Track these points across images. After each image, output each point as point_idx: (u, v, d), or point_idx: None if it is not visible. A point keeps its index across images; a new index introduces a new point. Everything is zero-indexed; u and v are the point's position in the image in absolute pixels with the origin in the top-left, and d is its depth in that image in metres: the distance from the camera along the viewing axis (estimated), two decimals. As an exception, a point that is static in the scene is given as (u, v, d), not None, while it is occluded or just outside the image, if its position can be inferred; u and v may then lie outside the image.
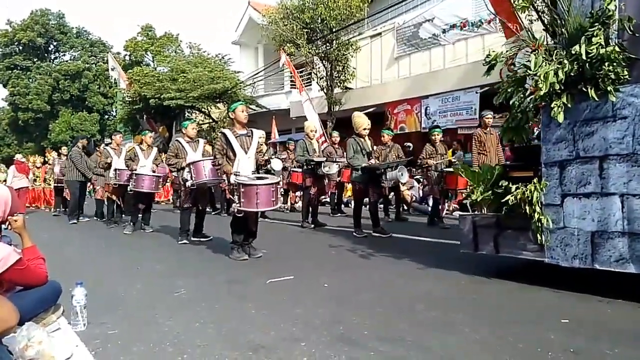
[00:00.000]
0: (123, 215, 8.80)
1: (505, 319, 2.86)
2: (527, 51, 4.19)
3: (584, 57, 3.06)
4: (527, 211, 3.43)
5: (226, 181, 5.04)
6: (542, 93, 3.24)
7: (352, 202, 7.50)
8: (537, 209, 3.38)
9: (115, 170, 8.17)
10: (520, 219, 3.52)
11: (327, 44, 15.85)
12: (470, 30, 14.34)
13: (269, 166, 9.21)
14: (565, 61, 3.19)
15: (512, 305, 3.16)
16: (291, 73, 15.99)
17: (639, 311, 2.95)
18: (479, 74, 15.00)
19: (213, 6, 78.77)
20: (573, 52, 3.15)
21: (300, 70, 17.40)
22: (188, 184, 6.06)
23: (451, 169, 7.42)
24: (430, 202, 10.22)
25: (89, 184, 10.03)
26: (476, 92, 13.55)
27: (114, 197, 8.71)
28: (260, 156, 5.23)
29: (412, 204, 10.68)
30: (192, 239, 6.36)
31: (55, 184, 11.76)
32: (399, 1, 14.19)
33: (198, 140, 6.81)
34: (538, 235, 3.41)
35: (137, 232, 7.51)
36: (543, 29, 11.71)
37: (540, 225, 3.38)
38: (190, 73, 19.87)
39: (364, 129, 6.62)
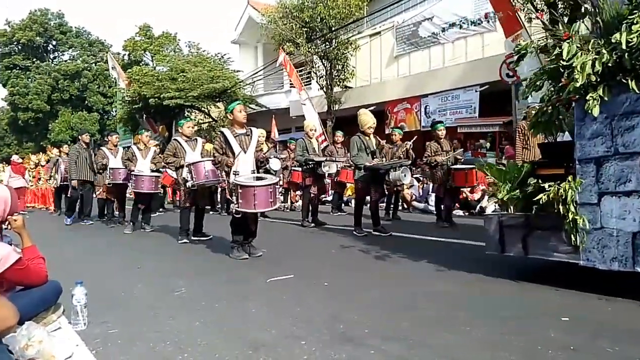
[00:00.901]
0: (119, 214, 8.79)
1: (506, 317, 2.86)
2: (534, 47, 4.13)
3: (623, 46, 2.85)
4: (561, 211, 3.24)
5: (226, 179, 5.03)
6: (577, 85, 3.06)
7: (353, 201, 7.47)
8: (572, 208, 3.20)
9: (110, 169, 8.15)
10: (553, 218, 3.32)
11: (327, 43, 15.85)
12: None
13: (267, 166, 9.20)
14: (604, 51, 2.98)
15: (513, 303, 3.16)
16: (289, 74, 15.98)
17: (638, 307, 2.95)
18: (479, 72, 15.13)
19: (212, 5, 78.75)
20: (613, 40, 2.93)
21: (300, 69, 17.40)
22: (188, 184, 6.04)
23: (459, 166, 7.25)
24: (432, 201, 10.28)
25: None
26: (475, 91, 13.57)
27: (110, 197, 8.70)
28: (260, 153, 5.22)
29: (412, 202, 10.68)
30: (192, 238, 6.36)
31: (62, 182, 11.65)
32: (398, 0, 14.20)
33: (196, 139, 6.76)
34: (572, 236, 3.23)
35: (137, 232, 7.51)
36: (542, 27, 11.59)
37: (574, 225, 3.20)
38: (189, 72, 19.86)
39: (369, 127, 6.47)
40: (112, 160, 8.40)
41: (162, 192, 10.44)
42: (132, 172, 7.47)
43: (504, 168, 4.01)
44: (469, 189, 9.97)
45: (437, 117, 14.72)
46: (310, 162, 7.68)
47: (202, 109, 21.29)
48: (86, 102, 35.78)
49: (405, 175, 6.42)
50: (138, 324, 2.90)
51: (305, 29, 15.61)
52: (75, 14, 74.34)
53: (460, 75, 14.08)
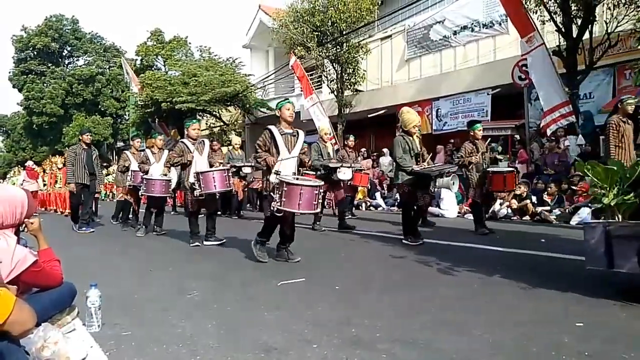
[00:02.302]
0: (132, 218, 8.92)
1: (519, 321, 2.83)
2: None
3: None
4: None
5: (265, 178, 4.87)
6: None
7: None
8: None
9: (132, 172, 8.29)
10: None
11: (338, 47, 15.88)
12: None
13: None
14: None
15: (526, 308, 3.14)
16: (299, 78, 16.06)
17: (655, 315, 2.91)
18: (491, 75, 15.03)
19: (223, 10, 79.29)
20: None
21: (311, 73, 17.45)
22: (196, 192, 6.02)
23: (498, 169, 6.87)
24: (443, 204, 10.21)
25: (102, 186, 9.96)
26: (487, 94, 13.49)
27: (130, 199, 8.80)
28: (305, 158, 5.05)
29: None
30: (205, 243, 6.29)
31: None
32: (409, 3, 14.19)
33: (203, 142, 6.66)
34: None
35: (149, 235, 7.58)
36: (555, 30, 11.59)
37: None
38: (201, 77, 20.03)
39: (414, 126, 6.00)
40: (134, 163, 8.51)
41: (172, 194, 10.48)
42: (143, 176, 7.54)
43: (611, 167, 3.46)
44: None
45: (449, 120, 14.67)
46: (327, 168, 7.48)
47: (214, 112, 21.45)
48: (100, 106, 36.18)
49: (454, 183, 5.99)
50: (151, 326, 2.93)
51: (316, 33, 15.66)
52: (90, 20, 75.41)
53: (472, 78, 14.00)
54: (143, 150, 8.72)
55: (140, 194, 7.98)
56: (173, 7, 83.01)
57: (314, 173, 9.40)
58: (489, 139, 7.77)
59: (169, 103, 20.58)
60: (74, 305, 2.79)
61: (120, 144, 37.95)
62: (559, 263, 4.73)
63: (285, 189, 4.51)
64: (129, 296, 3.65)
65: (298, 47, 15.83)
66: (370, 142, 18.50)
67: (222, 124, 22.15)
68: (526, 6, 10.33)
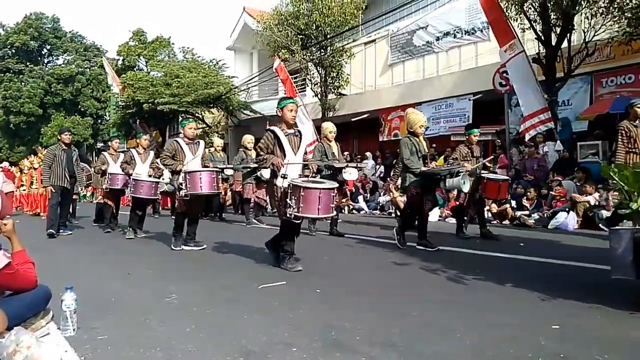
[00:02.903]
0: (117, 221, 8.69)
1: (498, 324, 2.86)
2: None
3: None
4: None
5: (273, 180, 4.58)
6: None
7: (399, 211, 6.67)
8: None
9: (109, 174, 8.09)
10: None
11: (322, 50, 15.95)
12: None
13: (258, 173, 8.99)
14: None
15: (505, 310, 3.17)
16: (282, 81, 16.05)
17: (629, 318, 2.97)
18: (472, 81, 15.27)
19: (208, 12, 78.91)
20: None
21: (295, 76, 17.46)
22: (181, 192, 5.81)
23: (493, 176, 6.83)
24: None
25: (85, 188, 9.76)
26: (469, 99, 13.68)
27: (108, 202, 8.61)
28: (308, 157, 4.90)
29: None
30: (184, 248, 6.10)
31: None
32: (393, 9, 14.33)
33: (198, 142, 6.35)
34: None
35: (133, 239, 7.45)
36: (535, 38, 11.85)
37: None
38: (184, 78, 19.90)
39: (421, 126, 5.80)
40: (112, 165, 8.35)
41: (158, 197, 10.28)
42: (132, 177, 7.34)
43: None
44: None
45: (431, 125, 14.80)
46: (332, 169, 6.89)
47: (197, 114, 21.29)
48: (79, 106, 35.63)
49: (464, 183, 5.81)
50: (128, 329, 2.88)
51: (301, 36, 15.70)
52: (71, 19, 74.24)
53: (454, 83, 14.19)
54: (126, 151, 8.58)
55: (127, 195, 7.76)
56: (156, 8, 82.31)
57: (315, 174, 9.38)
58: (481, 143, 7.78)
59: (150, 104, 20.38)
60: (49, 309, 2.73)
61: (100, 144, 37.41)
62: (537, 266, 4.80)
63: (302, 193, 4.25)
64: (106, 299, 3.58)
65: (282, 50, 15.85)
66: (353, 145, 18.58)
67: (204, 126, 21.99)
68: (507, 14, 10.52)
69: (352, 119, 17.02)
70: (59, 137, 8.16)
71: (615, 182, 3.33)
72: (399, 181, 6.10)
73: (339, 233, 7.31)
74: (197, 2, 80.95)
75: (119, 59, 32.14)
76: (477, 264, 4.85)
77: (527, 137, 10.60)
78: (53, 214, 7.77)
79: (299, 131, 4.82)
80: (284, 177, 4.42)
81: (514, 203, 9.59)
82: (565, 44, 10.37)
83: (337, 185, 4.58)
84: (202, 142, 6.41)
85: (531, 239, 6.91)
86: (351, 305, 3.39)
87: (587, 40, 10.20)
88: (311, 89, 17.03)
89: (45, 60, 39.06)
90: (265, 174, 9.41)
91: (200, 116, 21.82)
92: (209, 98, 20.07)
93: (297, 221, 4.45)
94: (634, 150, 5.86)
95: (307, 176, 4.69)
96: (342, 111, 16.74)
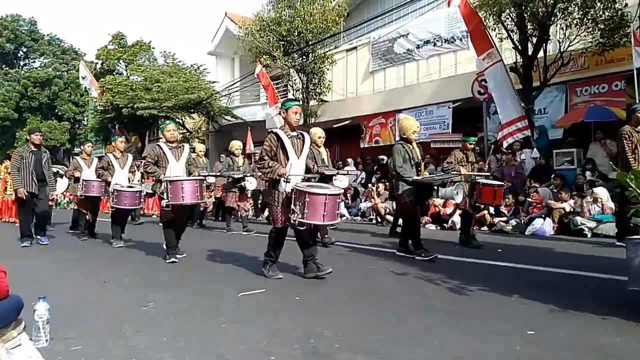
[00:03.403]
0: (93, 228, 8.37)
1: (475, 330, 2.90)
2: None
3: None
4: None
5: (278, 187, 4.41)
6: None
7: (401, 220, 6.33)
8: None
9: (83, 181, 7.75)
10: None
11: (303, 57, 15.98)
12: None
13: (242, 183, 8.84)
14: None
15: (483, 316, 3.21)
16: (264, 87, 16.06)
17: (602, 323, 3.04)
18: (452, 89, 15.48)
19: (189, 16, 78.49)
20: None
21: (277, 82, 17.46)
22: (163, 203, 5.54)
23: (488, 182, 6.74)
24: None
25: (60, 194, 9.37)
26: (449, 107, 13.85)
27: (82, 210, 8.36)
28: (311, 163, 4.70)
29: (386, 216, 10.76)
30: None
31: None
32: (375, 16, 14.47)
33: (182, 146, 6.01)
34: None
35: (107, 245, 7.31)
36: (512, 47, 12.09)
37: None
38: (164, 83, 19.71)
39: (414, 132, 5.69)
40: (85, 171, 8.00)
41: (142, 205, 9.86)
42: (112, 186, 7.01)
43: None
44: (439, 207, 10.10)
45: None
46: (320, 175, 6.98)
47: (177, 119, 21.09)
48: (56, 110, 34.93)
49: (457, 193, 5.72)
50: (103, 339, 2.82)
51: (282, 42, 15.72)
52: (48, 22, 73.00)
53: (434, 91, 14.37)
54: (102, 156, 8.34)
55: (110, 205, 7.31)
56: (137, 12, 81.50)
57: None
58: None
59: (130, 109, 20.11)
60: (21, 319, 2.66)
61: (77, 149, 36.71)
62: (513, 272, 4.88)
63: (307, 199, 4.12)
64: (81, 309, 3.50)
65: (264, 56, 15.84)
66: (335, 152, 18.63)
67: (185, 131, 21.79)
68: (485, 24, 10.73)
69: (334, 126, 17.07)
70: (28, 138, 7.59)
71: (631, 189, 3.21)
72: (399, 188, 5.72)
73: (324, 244, 6.80)
74: (178, 7, 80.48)
75: (97, 63, 31.66)
76: (455, 271, 4.90)
77: (505, 144, 10.80)
78: (24, 221, 7.39)
79: (302, 134, 4.66)
80: (287, 181, 4.28)
81: (492, 210, 9.72)
82: (541, 53, 10.62)
83: (342, 191, 4.43)
84: (186, 146, 6.10)
85: (508, 245, 7.02)
86: (331, 313, 3.39)
87: (562, 50, 10.45)
88: (293, 95, 17.04)
89: (22, 63, 38.26)
90: (250, 185, 9.18)
91: (181, 121, 21.61)
92: (190, 103, 19.92)
93: (301, 228, 4.27)
94: (634, 155, 5.92)
95: (309, 180, 4.59)
96: (324, 117, 16.78)
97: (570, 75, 11.45)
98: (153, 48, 29.90)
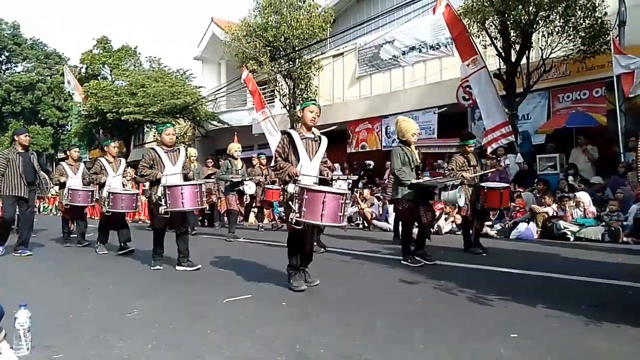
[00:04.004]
0: (70, 235, 8.20)
1: (460, 335, 2.91)
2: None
3: None
4: None
5: (283, 189, 4.26)
6: None
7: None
8: None
9: (69, 189, 7.50)
10: None
11: (290, 62, 16.02)
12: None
13: (241, 187, 8.67)
14: None
15: (467, 321, 3.23)
16: (251, 92, 16.05)
17: (584, 325, 3.08)
18: (437, 95, 15.66)
19: (175, 21, 78.14)
20: None
21: (263, 87, 17.47)
22: (161, 209, 5.25)
23: (494, 185, 6.61)
24: (391, 219, 10.40)
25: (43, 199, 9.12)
26: (434, 112, 13.99)
27: (67, 218, 8.11)
28: (326, 169, 4.39)
29: (372, 221, 10.80)
30: (177, 268, 5.43)
31: None
32: (361, 22, 14.59)
33: (178, 150, 5.76)
34: None
35: (90, 252, 7.21)
36: (496, 54, 12.27)
37: None
38: (150, 87, 19.60)
39: (413, 134, 5.53)
40: (71, 178, 7.69)
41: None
42: (110, 191, 6.72)
43: None
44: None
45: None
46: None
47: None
48: (39, 115, 34.45)
49: (460, 196, 5.57)
50: (86, 347, 2.78)
51: (269, 48, 15.74)
52: (32, 26, 72.04)
53: (420, 97, 14.50)
54: (94, 160, 8.09)
55: (104, 211, 6.88)
56: (123, 16, 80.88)
57: (273, 187, 9.31)
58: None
59: (114, 114, 19.93)
60: (1, 327, 2.60)
61: (61, 154, 36.20)
62: (498, 276, 4.93)
63: (305, 196, 3.89)
64: (63, 317, 3.45)
65: (250, 61, 15.84)
66: (321, 157, 18.66)
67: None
68: (469, 31, 10.88)
69: (320, 131, 17.12)
70: (15, 139, 6.93)
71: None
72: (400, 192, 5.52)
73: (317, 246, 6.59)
74: (164, 12, 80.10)
75: (81, 67, 31.32)
76: (440, 275, 4.93)
77: (490, 150, 10.93)
78: (4, 229, 6.92)
79: (319, 136, 4.41)
80: (296, 181, 4.07)
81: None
82: (524, 60, 10.80)
83: (347, 191, 4.09)
84: (182, 150, 5.82)
85: (493, 248, 7.08)
86: (317, 318, 3.39)
87: (544, 57, 10.64)
88: (280, 100, 17.06)
89: (4, 68, 37.67)
90: (249, 189, 8.90)
91: (167, 126, 21.47)
92: (176, 108, 19.82)
93: (298, 227, 4.01)
94: None
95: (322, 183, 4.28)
96: (311, 123, 16.82)
97: (553, 81, 11.66)
98: (139, 53, 29.71)
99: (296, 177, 4.06)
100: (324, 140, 4.42)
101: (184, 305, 3.80)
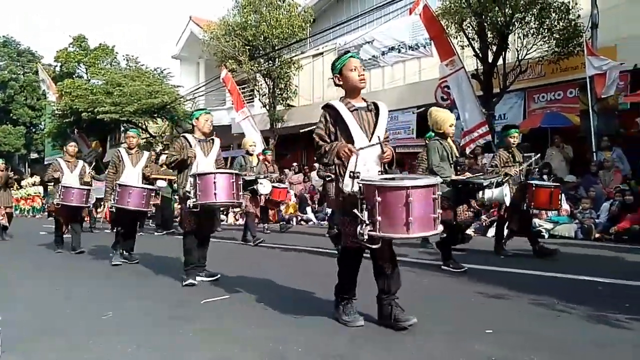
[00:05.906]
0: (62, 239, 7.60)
1: (435, 332, 2.95)
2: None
3: None
4: None
5: (331, 186, 3.04)
6: None
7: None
8: None
9: (62, 187, 6.85)
10: None
11: (270, 62, 15.97)
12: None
13: (255, 187, 7.81)
14: None
15: (441, 317, 3.28)
16: (230, 91, 15.96)
17: (558, 319, 3.16)
18: (416, 95, 15.84)
19: (153, 19, 77.05)
20: None
21: (243, 86, 17.38)
22: (189, 203, 4.37)
23: (543, 183, 6.19)
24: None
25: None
26: (413, 112, 14.14)
27: (59, 219, 7.46)
28: (389, 148, 2.95)
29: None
30: (194, 279, 4.64)
31: None
32: (340, 22, 14.63)
33: (212, 140, 4.92)
34: None
35: (69, 254, 7.05)
36: (473, 55, 12.46)
37: None
38: (126, 86, 19.30)
39: (451, 125, 4.91)
40: (67, 175, 7.05)
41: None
42: (119, 182, 5.80)
43: None
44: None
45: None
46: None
47: (139, 124, 20.65)
48: (11, 114, 33.58)
49: (506, 194, 5.13)
50: (63, 352, 2.72)
51: (248, 47, 15.67)
52: (4, 24, 70.11)
53: (399, 97, 14.63)
54: (114, 154, 7.25)
55: (110, 205, 5.91)
56: (99, 14, 79.35)
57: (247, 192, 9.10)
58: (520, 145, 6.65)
59: (90, 113, 19.56)
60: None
61: (34, 155, 35.36)
62: (475, 273, 5.00)
63: (379, 198, 2.58)
64: (40, 320, 3.38)
65: (229, 60, 15.75)
66: (302, 157, 18.65)
67: (148, 136, 21.34)
68: (447, 32, 11.03)
69: (301, 131, 17.10)
70: None
71: None
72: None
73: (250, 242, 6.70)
74: (141, 10, 78.88)
75: (56, 66, 30.65)
76: (420, 273, 4.98)
77: (468, 150, 11.10)
78: None
79: (373, 103, 3.12)
80: (354, 176, 2.73)
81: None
82: (500, 61, 11.00)
83: (437, 181, 2.72)
84: (217, 140, 4.97)
85: (470, 247, 7.18)
86: (298, 318, 3.38)
87: (520, 58, 10.86)
88: (259, 99, 17.00)
89: (-26, 65, 36.60)
90: (263, 189, 8.29)
91: (144, 126, 21.17)
92: (153, 108, 19.56)
93: (375, 246, 2.72)
94: None
95: (386, 171, 2.97)
96: (291, 122, 16.80)
97: (528, 82, 11.91)
98: (116, 53, 29.23)
99: (355, 172, 2.71)
100: (383, 109, 3.07)
101: (163, 308, 3.75)
